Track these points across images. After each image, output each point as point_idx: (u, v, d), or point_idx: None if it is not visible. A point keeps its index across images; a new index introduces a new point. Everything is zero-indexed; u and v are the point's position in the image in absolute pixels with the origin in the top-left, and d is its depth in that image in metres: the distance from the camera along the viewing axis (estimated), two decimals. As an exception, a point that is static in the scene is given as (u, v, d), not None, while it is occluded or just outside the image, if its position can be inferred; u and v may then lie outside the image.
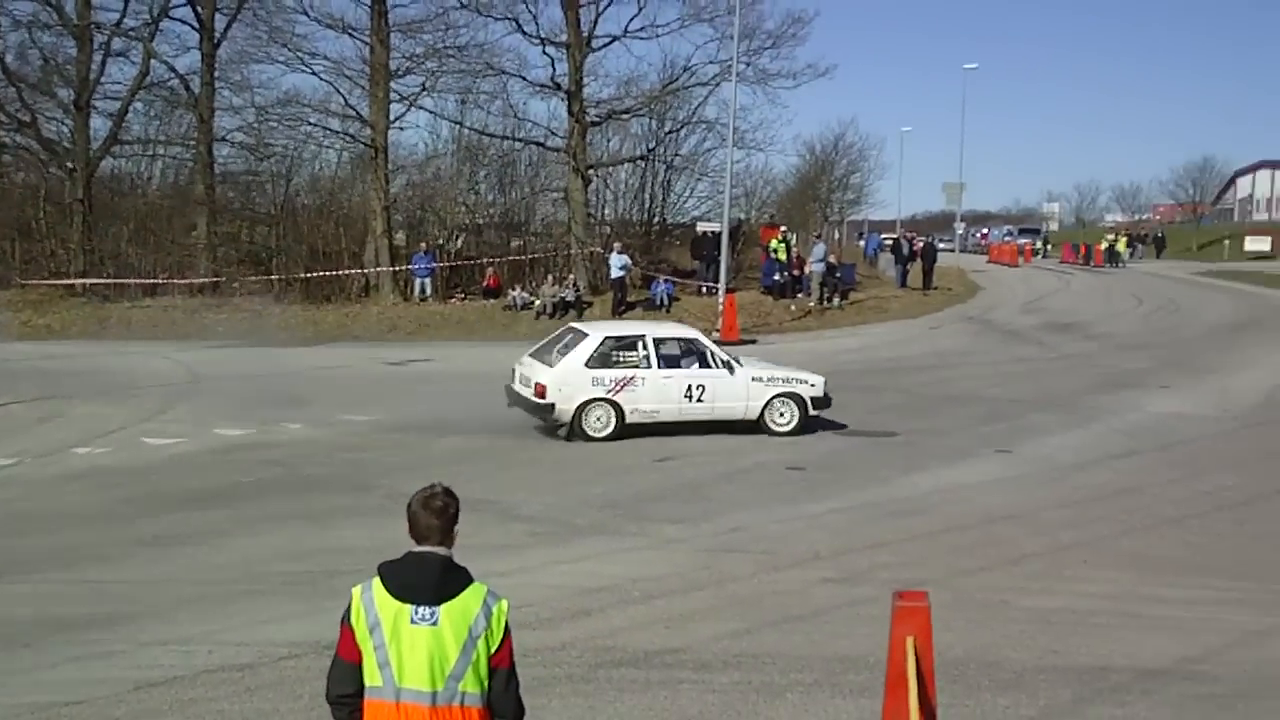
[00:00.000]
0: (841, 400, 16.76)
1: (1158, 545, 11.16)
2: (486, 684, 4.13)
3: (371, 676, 4.09)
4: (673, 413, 15.62)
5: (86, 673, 7.38)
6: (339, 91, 31.74)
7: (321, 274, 30.65)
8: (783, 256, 33.21)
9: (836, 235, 60.76)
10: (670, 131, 35.66)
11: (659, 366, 15.66)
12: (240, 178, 35.21)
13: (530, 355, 16.26)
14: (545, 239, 35.54)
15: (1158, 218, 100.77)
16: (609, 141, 36.58)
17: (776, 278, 33.24)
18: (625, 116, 34.48)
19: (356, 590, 4.18)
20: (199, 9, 30.85)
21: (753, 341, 26.42)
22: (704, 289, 31.69)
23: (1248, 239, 65.56)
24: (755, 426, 15.84)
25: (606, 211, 37.43)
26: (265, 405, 17.39)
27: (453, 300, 31.16)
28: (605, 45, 32.98)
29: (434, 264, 31.55)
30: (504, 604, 4.18)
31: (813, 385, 16.09)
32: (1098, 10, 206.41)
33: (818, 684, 7.48)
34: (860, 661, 7.70)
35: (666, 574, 9.70)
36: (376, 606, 4.10)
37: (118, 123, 31.50)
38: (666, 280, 31.76)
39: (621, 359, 15.82)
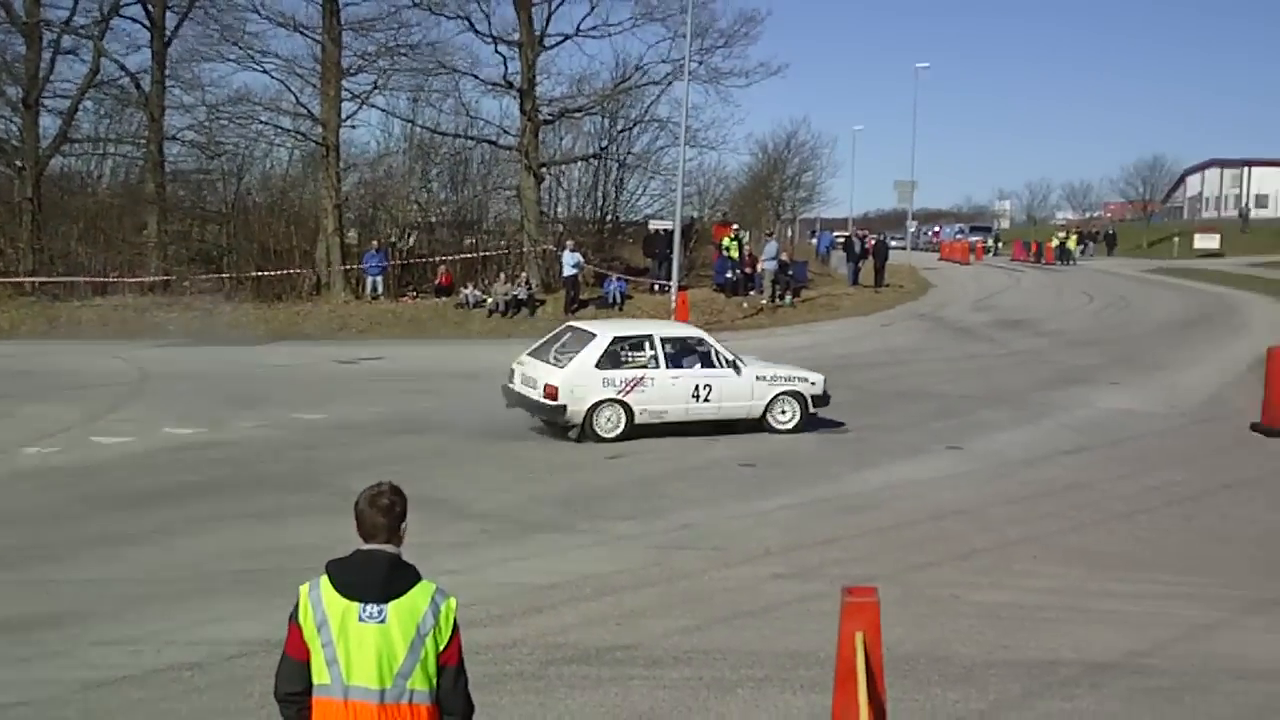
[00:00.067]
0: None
1: (1106, 540, 11.30)
2: (435, 681, 4.13)
3: (319, 674, 4.08)
4: (680, 413, 15.56)
5: (34, 673, 7.30)
6: (290, 90, 31.63)
7: (273, 272, 30.42)
8: (735, 254, 33.32)
9: (789, 233, 61.18)
10: (623, 130, 35.69)
11: (666, 366, 15.60)
12: (191, 176, 34.86)
13: (530, 355, 16.06)
14: (498, 237, 35.44)
15: (1109, 215, 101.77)
16: (561, 140, 36.58)
17: (729, 275, 33.33)
18: (578, 115, 34.51)
19: (304, 588, 4.17)
20: (150, 7, 30.51)
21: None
22: (656, 287, 31.75)
23: (1197, 236, 66.37)
24: (758, 425, 15.87)
25: (559, 209, 37.44)
26: (216, 404, 17.23)
27: (405, 298, 31.00)
28: (558, 44, 33.08)
29: (386, 262, 31.38)
30: (452, 602, 4.19)
31: (813, 383, 16.17)
32: (1050, 11, 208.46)
33: (768, 679, 7.53)
34: (811, 657, 7.74)
35: (618, 571, 9.72)
36: (324, 604, 4.09)
37: (67, 121, 31.12)
38: (619, 278, 31.74)
39: (630, 359, 15.81)
